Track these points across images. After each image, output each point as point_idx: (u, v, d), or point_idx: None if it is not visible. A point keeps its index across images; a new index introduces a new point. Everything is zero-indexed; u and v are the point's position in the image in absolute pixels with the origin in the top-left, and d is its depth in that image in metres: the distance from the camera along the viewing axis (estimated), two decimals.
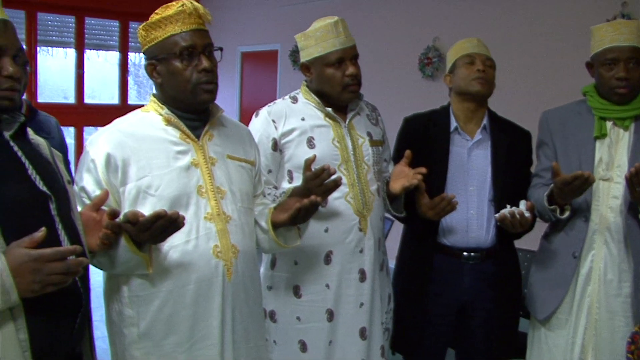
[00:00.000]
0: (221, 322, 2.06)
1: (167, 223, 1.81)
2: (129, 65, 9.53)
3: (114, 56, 9.40)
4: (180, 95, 2.08)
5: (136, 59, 9.62)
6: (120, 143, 2.03)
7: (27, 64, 1.76)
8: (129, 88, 9.59)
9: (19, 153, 1.70)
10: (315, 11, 7.42)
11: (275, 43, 8.33)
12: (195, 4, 2.06)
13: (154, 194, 2.00)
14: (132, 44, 9.39)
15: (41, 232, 1.54)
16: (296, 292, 2.61)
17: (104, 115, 9.23)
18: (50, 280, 1.53)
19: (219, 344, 2.05)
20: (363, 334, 2.62)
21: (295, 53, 8.07)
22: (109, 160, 2.00)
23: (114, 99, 9.46)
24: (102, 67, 9.42)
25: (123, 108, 9.19)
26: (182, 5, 2.04)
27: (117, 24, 9.31)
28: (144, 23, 2.08)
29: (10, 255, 1.51)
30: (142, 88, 10.12)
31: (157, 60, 2.07)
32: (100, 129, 2.14)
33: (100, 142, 2.04)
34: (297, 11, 7.90)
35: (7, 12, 1.69)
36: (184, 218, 1.83)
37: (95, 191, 1.98)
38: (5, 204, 1.58)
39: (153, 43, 2.06)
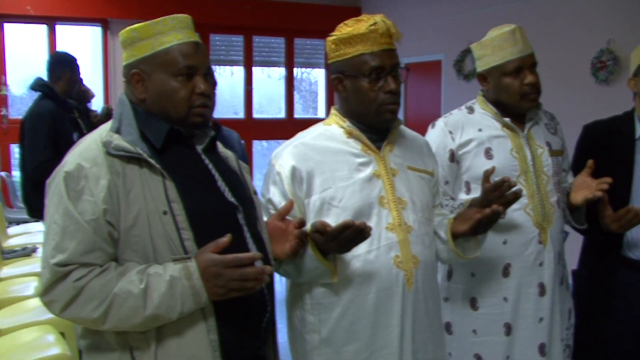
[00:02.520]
0: (401, 331, 2.07)
1: (355, 233, 1.85)
2: (294, 80, 9.85)
3: (277, 72, 9.75)
4: (363, 113, 2.12)
5: (299, 74, 9.91)
6: (304, 156, 2.10)
7: (215, 83, 1.90)
8: (295, 102, 9.90)
9: (210, 166, 1.84)
10: (480, 20, 7.32)
11: (439, 53, 8.27)
12: (388, 22, 2.06)
13: (338, 205, 2.05)
14: (297, 59, 9.70)
15: (226, 238, 1.65)
16: (473, 304, 2.57)
17: (271, 129, 9.75)
18: (231, 286, 1.64)
19: (398, 353, 2.07)
20: (542, 350, 2.53)
21: (459, 63, 7.98)
22: (294, 173, 2.08)
23: (280, 113, 9.81)
24: (267, 82, 9.82)
25: (289, 122, 9.52)
26: (375, 23, 2.05)
27: (283, 40, 9.66)
28: (335, 36, 2.11)
29: (198, 259, 1.64)
30: (306, 102, 10.41)
31: (344, 75, 2.11)
32: (284, 142, 2.23)
33: (285, 155, 2.12)
34: (461, 20, 7.80)
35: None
36: (370, 229, 1.87)
37: (281, 203, 2.06)
38: (198, 214, 1.71)
39: (342, 58, 2.10)
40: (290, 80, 9.80)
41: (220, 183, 1.82)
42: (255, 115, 9.60)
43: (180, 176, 1.72)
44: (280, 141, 9.55)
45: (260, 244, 1.86)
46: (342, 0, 9.59)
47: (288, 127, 9.37)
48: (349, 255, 2.02)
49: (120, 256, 1.67)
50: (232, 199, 1.81)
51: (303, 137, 2.19)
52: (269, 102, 10.07)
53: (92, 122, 5.20)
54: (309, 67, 10.40)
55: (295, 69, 9.90)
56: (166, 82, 1.76)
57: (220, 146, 1.96)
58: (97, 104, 7.13)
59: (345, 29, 2.10)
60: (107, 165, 1.66)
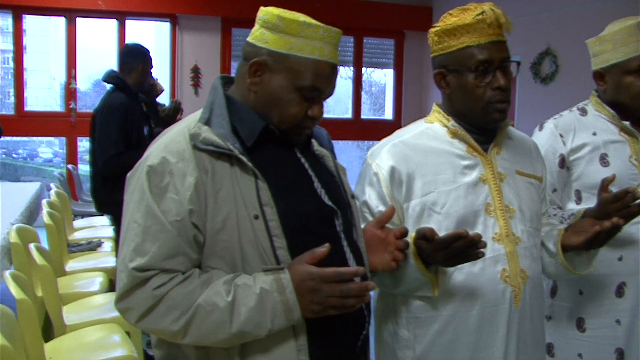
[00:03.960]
0: (504, 352, 1.87)
1: (467, 245, 1.64)
2: (362, 80, 9.67)
3: (345, 71, 9.62)
4: (469, 111, 1.92)
5: (367, 73, 9.75)
6: (404, 156, 1.91)
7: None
8: (362, 102, 9.72)
9: (306, 165, 1.64)
10: (560, 21, 7.01)
11: (515, 55, 7.95)
12: (497, 11, 1.86)
13: (440, 212, 1.86)
14: (366, 59, 9.52)
15: (324, 248, 1.47)
16: (579, 325, 2.34)
17: (337, 129, 9.61)
18: (329, 303, 1.46)
19: None
20: None
21: (536, 65, 7.70)
22: (393, 174, 1.89)
23: (347, 113, 9.64)
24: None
25: (356, 122, 9.37)
26: (482, 12, 1.84)
27: (352, 39, 9.49)
28: (438, 28, 1.91)
29: (292, 271, 1.46)
30: (374, 103, 10.25)
31: (447, 70, 1.91)
32: (381, 141, 2.03)
33: (383, 154, 1.93)
34: (540, 21, 7.51)
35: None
36: (485, 244, 1.66)
37: (378, 206, 1.88)
38: (293, 220, 1.52)
39: (445, 52, 1.90)
40: (358, 80, 9.64)
41: (317, 185, 1.63)
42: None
43: (274, 177, 1.54)
44: (346, 142, 9.48)
45: (357, 254, 1.66)
46: None
47: (354, 127, 9.24)
48: (451, 267, 1.81)
49: (205, 262, 1.50)
50: (330, 203, 1.62)
51: (403, 135, 2.00)
52: (336, 102, 9.94)
53: (161, 116, 5.12)
54: (378, 67, 10.23)
55: (363, 69, 9.70)
56: (285, 91, 1.56)
57: (315, 144, 1.77)
58: (163, 100, 7.10)
59: (450, 19, 1.90)
60: (195, 160, 1.48)
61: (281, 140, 1.62)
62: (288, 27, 1.54)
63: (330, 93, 1.62)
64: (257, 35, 1.58)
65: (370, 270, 1.74)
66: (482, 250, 1.66)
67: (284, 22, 1.54)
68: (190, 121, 1.57)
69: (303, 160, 1.65)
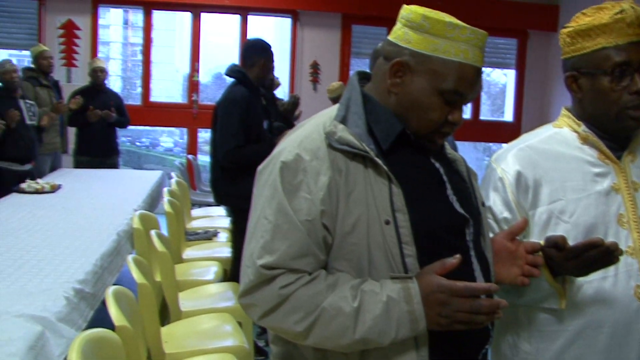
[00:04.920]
0: None
1: (602, 254, 1.55)
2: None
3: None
4: (601, 117, 1.80)
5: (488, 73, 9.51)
6: (531, 161, 1.82)
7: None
8: (481, 103, 9.51)
9: (441, 171, 1.58)
10: None
11: None
12: (638, 9, 1.73)
13: (568, 221, 1.75)
14: (488, 58, 9.26)
15: (455, 260, 1.41)
16: None
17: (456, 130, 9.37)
18: (457, 317, 1.40)
19: None
20: None
21: None
22: (519, 179, 1.80)
23: (465, 113, 9.41)
24: None
25: (475, 123, 9.17)
26: (622, 11, 1.72)
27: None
28: (571, 28, 1.80)
29: (421, 281, 1.41)
30: (494, 104, 9.99)
31: (580, 73, 1.80)
32: (506, 144, 1.95)
33: (509, 159, 1.85)
34: None
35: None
36: (621, 252, 1.56)
37: (502, 212, 1.80)
38: (425, 226, 1.47)
39: (578, 53, 1.79)
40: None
41: (450, 192, 1.57)
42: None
43: (408, 182, 1.48)
44: (463, 143, 9.28)
45: (484, 265, 1.59)
46: None
47: (473, 128, 9.03)
48: (580, 280, 1.72)
49: (331, 264, 1.47)
50: (462, 211, 1.56)
51: (530, 139, 1.91)
52: None
53: (279, 110, 5.19)
54: (499, 67, 9.97)
55: (483, 69, 9.47)
56: (425, 94, 1.50)
57: (447, 147, 1.69)
58: (281, 94, 7.20)
59: (584, 19, 1.79)
60: (330, 160, 1.45)
61: (416, 144, 1.56)
62: (433, 27, 1.48)
63: (473, 97, 1.56)
64: (399, 34, 1.53)
65: (495, 282, 1.68)
66: (617, 256, 1.56)
67: (428, 22, 1.48)
68: (325, 118, 1.54)
69: (438, 165, 1.58)
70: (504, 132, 9.04)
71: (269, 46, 4.37)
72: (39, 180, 5.20)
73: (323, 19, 8.72)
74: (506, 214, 1.79)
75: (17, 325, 2.21)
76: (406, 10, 1.53)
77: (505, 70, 10.00)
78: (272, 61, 4.39)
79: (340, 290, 1.41)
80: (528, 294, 1.75)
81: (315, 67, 8.74)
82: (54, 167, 6.48)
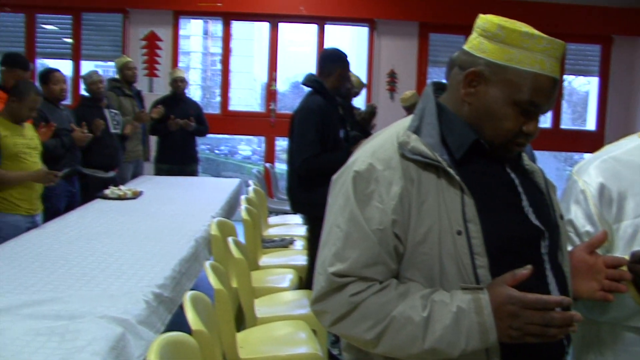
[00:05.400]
0: None
1: None
2: (563, 88, 9.20)
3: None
4: None
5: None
6: (615, 173, 1.76)
7: None
8: (562, 111, 9.27)
9: (516, 182, 1.55)
10: None
11: None
12: None
13: None
14: (568, 65, 9.04)
15: (526, 270, 1.37)
16: None
17: (535, 138, 9.17)
18: (529, 330, 1.36)
19: None
20: None
21: None
22: (602, 192, 1.75)
23: (545, 122, 9.23)
24: None
25: (555, 132, 8.93)
26: None
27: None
28: None
29: (492, 292, 1.38)
30: (575, 112, 9.73)
31: None
32: (588, 155, 1.90)
33: (591, 171, 1.79)
34: None
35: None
36: None
37: (584, 226, 1.75)
38: (497, 239, 1.44)
39: None
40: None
41: (525, 203, 1.54)
42: None
43: (481, 192, 1.47)
44: (542, 152, 9.06)
45: (560, 279, 1.55)
46: (623, 0, 8.72)
47: (553, 137, 8.80)
48: None
49: (402, 274, 1.47)
50: (537, 223, 1.52)
51: (613, 151, 1.85)
52: None
53: (356, 120, 5.20)
54: (581, 75, 9.70)
55: (564, 76, 9.23)
56: (500, 104, 1.48)
57: (525, 158, 1.66)
58: (358, 104, 7.21)
59: None
60: (402, 169, 1.45)
61: (491, 154, 1.54)
62: (508, 37, 1.46)
63: (549, 109, 1.52)
64: (474, 43, 1.52)
65: (574, 297, 1.63)
66: None
67: (504, 31, 1.46)
68: (399, 128, 1.54)
69: (513, 176, 1.56)
70: (586, 142, 8.78)
71: (345, 56, 4.38)
72: (121, 187, 5.36)
73: (400, 28, 8.68)
74: (588, 228, 1.74)
75: (100, 326, 2.29)
76: (482, 20, 1.51)
77: (589, 78, 9.71)
78: (348, 70, 4.40)
79: (410, 300, 1.41)
80: (612, 311, 1.69)
81: (392, 76, 8.71)
82: (136, 174, 6.67)
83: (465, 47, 1.54)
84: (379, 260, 1.43)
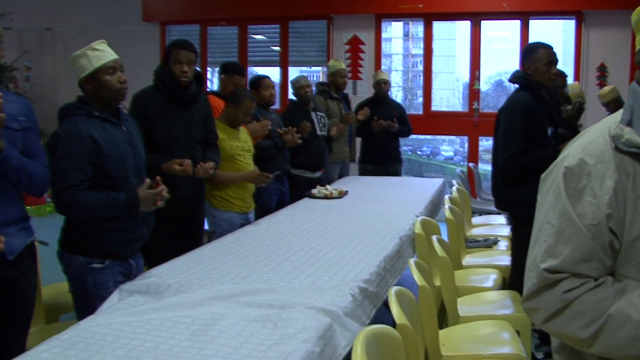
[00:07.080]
0: None
1: None
2: None
3: None
4: None
5: None
6: None
7: None
8: None
9: None
10: None
11: None
12: None
13: None
14: None
15: None
16: None
17: None
18: None
19: None
20: None
21: None
22: None
23: None
24: None
25: None
26: None
27: None
28: None
29: None
30: None
31: None
32: None
33: None
34: None
35: None
36: None
37: None
38: None
39: None
40: None
41: None
42: None
43: None
44: None
45: None
46: None
47: None
48: None
49: (618, 271, 1.42)
50: None
51: None
52: None
53: (563, 117, 4.98)
54: None
55: None
56: None
57: None
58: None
59: None
60: (615, 163, 1.41)
61: None
62: None
63: None
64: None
65: None
66: None
67: None
68: (610, 122, 1.50)
69: None
70: None
71: (549, 47, 4.23)
72: (328, 187, 5.58)
73: (611, 18, 8.15)
74: None
75: (309, 316, 2.42)
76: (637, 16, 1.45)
77: None
78: (552, 63, 4.24)
79: (628, 298, 1.36)
80: None
81: (602, 70, 8.22)
82: (342, 175, 6.88)
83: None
84: (593, 256, 1.39)
